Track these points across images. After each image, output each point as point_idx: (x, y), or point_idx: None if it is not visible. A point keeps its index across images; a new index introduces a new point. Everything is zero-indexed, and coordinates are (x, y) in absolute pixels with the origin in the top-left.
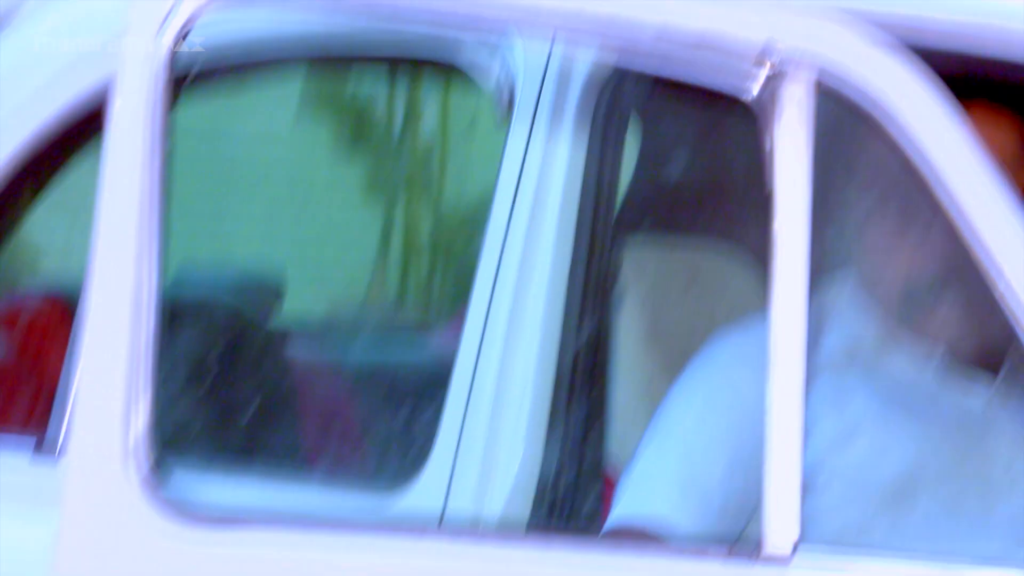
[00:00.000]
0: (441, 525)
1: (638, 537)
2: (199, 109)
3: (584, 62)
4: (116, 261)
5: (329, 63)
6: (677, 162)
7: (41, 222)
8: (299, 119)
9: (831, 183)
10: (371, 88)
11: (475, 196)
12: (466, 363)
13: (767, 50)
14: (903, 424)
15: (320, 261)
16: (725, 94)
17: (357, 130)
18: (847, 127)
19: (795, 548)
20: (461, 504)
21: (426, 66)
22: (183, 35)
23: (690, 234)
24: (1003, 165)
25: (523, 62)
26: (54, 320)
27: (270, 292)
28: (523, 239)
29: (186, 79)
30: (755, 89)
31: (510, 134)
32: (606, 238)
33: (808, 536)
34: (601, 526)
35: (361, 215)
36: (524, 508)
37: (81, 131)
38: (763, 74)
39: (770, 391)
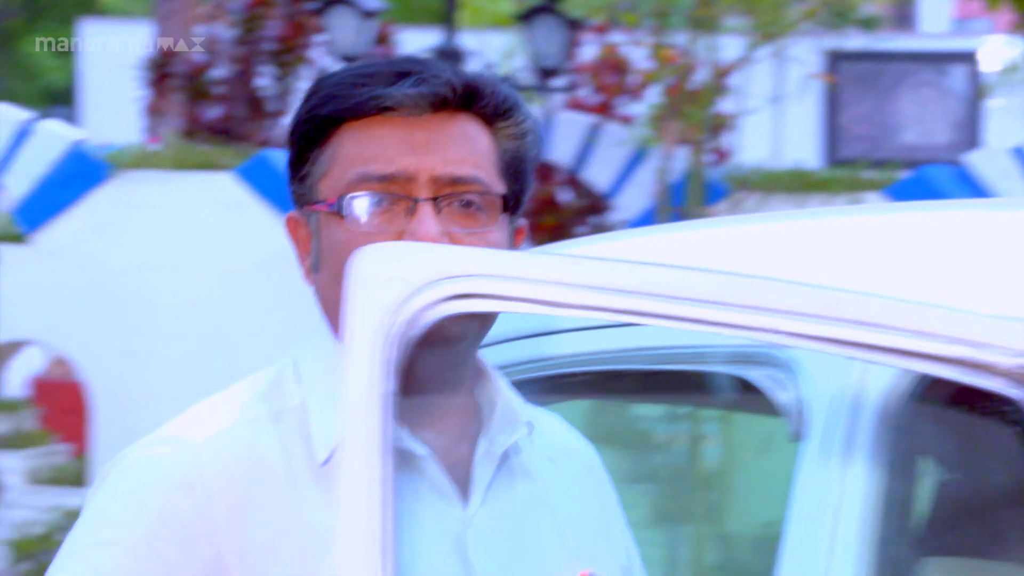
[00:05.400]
0: None
1: None
2: None
3: (879, 378)
4: None
5: (613, 377)
6: (975, 488)
7: None
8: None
9: None
10: (656, 407)
11: (765, 518)
12: None
13: None
14: None
15: None
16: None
17: (642, 449)
18: None
19: None
20: None
21: (715, 380)
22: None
23: (997, 559)
24: None
25: (815, 377)
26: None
27: None
28: (823, 566)
29: None
30: None
31: (803, 454)
32: (906, 563)
33: None
34: None
35: (649, 535)
36: None
37: None
38: None
39: None
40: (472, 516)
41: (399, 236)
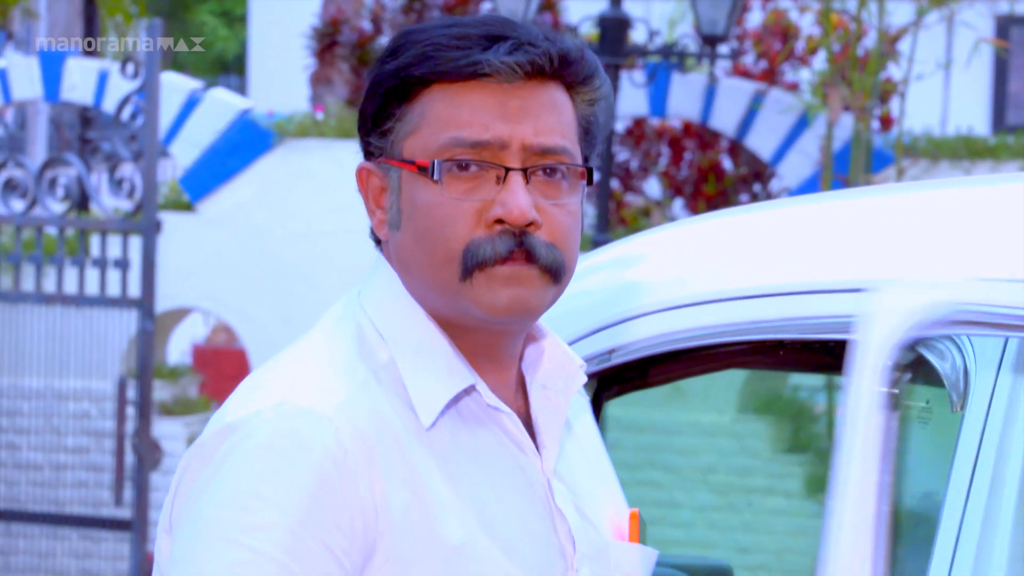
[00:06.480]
0: None
1: None
2: (644, 399)
3: None
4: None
5: (771, 347)
6: None
7: None
8: (740, 412)
9: None
10: (812, 377)
11: (922, 490)
12: None
13: None
14: None
15: (765, 551)
16: None
17: (799, 420)
18: None
19: None
20: None
21: None
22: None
23: None
24: None
25: (976, 346)
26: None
27: None
28: (978, 532)
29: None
30: None
31: (964, 421)
32: None
33: None
34: None
35: (806, 506)
36: None
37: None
38: None
39: None
40: (552, 466)
41: (487, 205)
